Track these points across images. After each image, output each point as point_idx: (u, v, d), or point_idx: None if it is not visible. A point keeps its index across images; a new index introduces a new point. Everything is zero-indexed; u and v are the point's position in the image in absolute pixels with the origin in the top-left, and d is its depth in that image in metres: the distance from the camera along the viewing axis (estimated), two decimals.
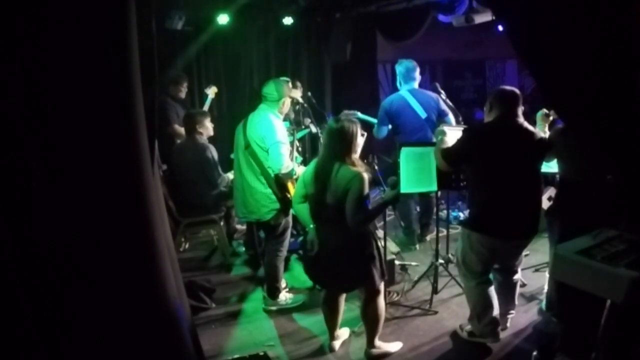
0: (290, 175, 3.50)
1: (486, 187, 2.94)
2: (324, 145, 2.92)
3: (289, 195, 3.54)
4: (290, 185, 3.57)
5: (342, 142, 2.78)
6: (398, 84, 4.70)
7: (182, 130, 4.95)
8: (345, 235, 2.80)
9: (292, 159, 3.68)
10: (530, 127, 2.95)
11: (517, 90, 2.96)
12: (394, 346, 3.16)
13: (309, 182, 2.91)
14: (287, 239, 3.78)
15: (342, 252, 2.84)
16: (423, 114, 4.48)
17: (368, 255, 2.87)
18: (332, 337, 3.21)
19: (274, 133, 3.42)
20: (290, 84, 4.10)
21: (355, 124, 2.82)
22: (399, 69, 4.65)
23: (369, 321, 3.04)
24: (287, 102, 3.67)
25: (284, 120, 3.77)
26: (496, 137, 2.90)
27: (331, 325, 3.19)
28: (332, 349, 3.17)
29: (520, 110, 2.93)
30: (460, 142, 3.02)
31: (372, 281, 2.88)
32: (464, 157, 3.00)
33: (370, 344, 3.08)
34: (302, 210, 3.03)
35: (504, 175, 2.87)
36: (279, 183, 3.51)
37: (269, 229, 3.71)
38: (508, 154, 2.86)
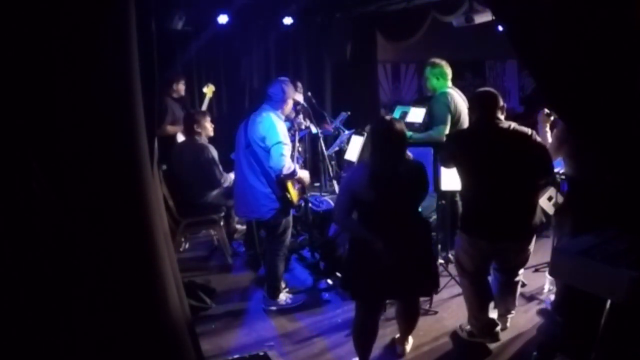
0: (292, 176, 3.50)
1: (470, 189, 2.95)
2: (379, 148, 2.69)
3: (288, 195, 3.54)
4: (290, 185, 3.57)
5: (402, 141, 2.70)
6: (434, 85, 4.37)
7: (175, 129, 4.97)
8: (416, 235, 2.74)
9: (293, 160, 3.67)
10: (518, 128, 2.86)
11: (494, 92, 2.94)
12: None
13: (362, 189, 2.65)
14: (288, 239, 3.78)
15: (420, 253, 2.73)
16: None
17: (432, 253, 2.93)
18: None
19: (276, 133, 3.42)
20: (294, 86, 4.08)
21: (400, 121, 2.82)
22: (443, 69, 4.31)
23: (414, 320, 3.03)
24: (291, 103, 3.67)
25: (285, 120, 3.77)
26: (474, 140, 2.90)
27: (368, 349, 2.90)
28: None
29: (499, 111, 2.89)
30: (443, 146, 3.09)
31: (438, 280, 2.93)
32: (448, 161, 3.04)
33: (406, 340, 3.12)
34: (354, 223, 2.76)
35: (485, 177, 2.84)
36: (280, 182, 3.51)
37: (269, 228, 3.72)
38: (487, 155, 2.82)
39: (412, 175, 2.70)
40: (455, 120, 4.23)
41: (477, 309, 3.09)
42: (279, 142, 3.40)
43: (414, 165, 2.74)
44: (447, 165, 3.07)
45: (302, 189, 3.80)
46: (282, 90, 3.54)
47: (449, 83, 4.36)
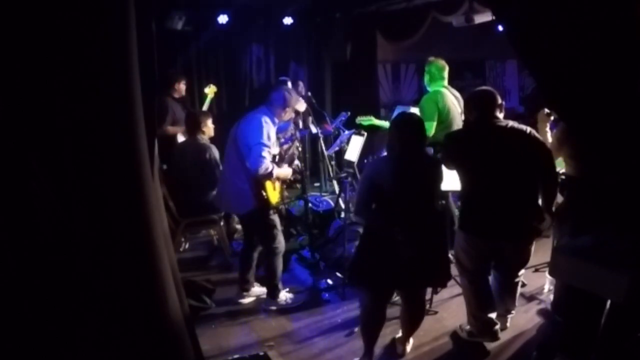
0: (268, 177, 3.52)
1: (468, 188, 2.96)
2: (403, 140, 2.74)
3: (264, 194, 3.54)
4: (269, 185, 3.58)
5: (424, 135, 2.84)
6: (427, 82, 4.44)
7: (175, 130, 4.97)
8: (433, 226, 2.81)
9: (285, 162, 3.69)
10: (516, 127, 2.84)
11: (492, 91, 2.93)
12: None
13: (384, 181, 2.71)
14: (279, 236, 3.73)
15: (436, 245, 2.81)
16: (459, 109, 4.37)
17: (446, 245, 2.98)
18: (372, 354, 3.00)
19: (260, 134, 3.44)
20: (296, 93, 4.10)
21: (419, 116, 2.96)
22: (431, 68, 4.38)
23: (419, 318, 3.05)
24: (290, 112, 3.73)
25: (285, 123, 3.80)
26: (472, 138, 2.91)
27: (375, 338, 2.97)
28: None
29: (498, 110, 2.88)
30: (443, 147, 3.09)
31: (449, 272, 2.94)
32: (448, 161, 3.01)
33: (407, 340, 3.13)
34: (374, 214, 2.80)
35: (482, 176, 2.85)
36: (256, 181, 3.52)
37: (252, 226, 3.75)
38: (485, 154, 2.82)
39: (431, 168, 2.83)
40: (444, 118, 4.27)
41: (475, 308, 3.09)
42: (260, 143, 3.43)
43: (431, 159, 2.95)
44: (448, 167, 3.07)
45: (303, 188, 3.80)
46: (283, 97, 3.60)
47: (444, 82, 4.40)
